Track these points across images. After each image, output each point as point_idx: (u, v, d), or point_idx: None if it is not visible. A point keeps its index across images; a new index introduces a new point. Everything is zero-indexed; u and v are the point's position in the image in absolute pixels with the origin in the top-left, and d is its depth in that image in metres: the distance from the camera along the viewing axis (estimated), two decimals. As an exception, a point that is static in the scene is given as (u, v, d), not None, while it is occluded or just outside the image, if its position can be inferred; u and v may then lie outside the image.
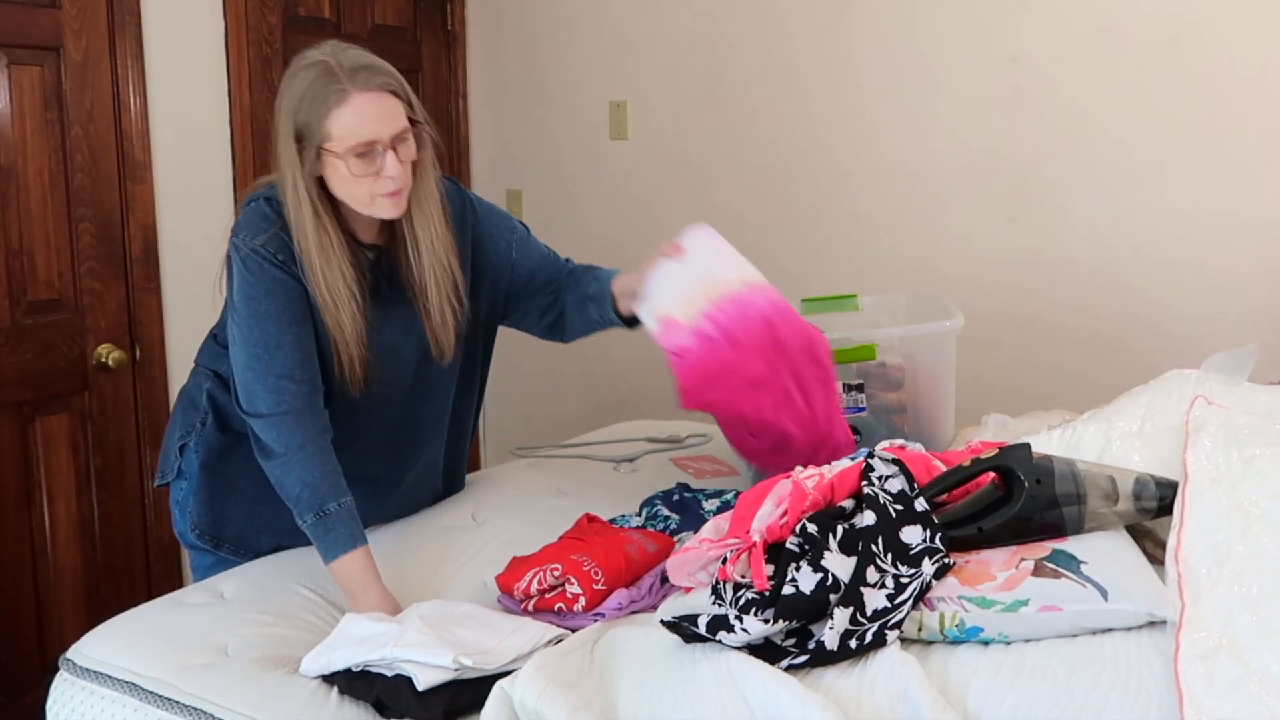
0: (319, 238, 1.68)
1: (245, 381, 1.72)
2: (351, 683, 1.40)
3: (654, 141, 3.42)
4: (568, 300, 2.02)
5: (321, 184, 1.69)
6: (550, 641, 1.44)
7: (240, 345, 1.71)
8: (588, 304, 1.98)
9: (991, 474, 1.44)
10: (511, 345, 3.80)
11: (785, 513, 1.39)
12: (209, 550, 1.92)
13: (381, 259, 1.80)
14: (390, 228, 1.79)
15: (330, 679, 1.43)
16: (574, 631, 1.47)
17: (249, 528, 1.90)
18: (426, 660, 1.35)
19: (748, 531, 1.37)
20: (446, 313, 1.81)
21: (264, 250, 1.70)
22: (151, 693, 1.46)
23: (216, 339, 1.92)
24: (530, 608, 1.55)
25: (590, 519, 1.80)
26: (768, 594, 1.28)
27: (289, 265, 1.70)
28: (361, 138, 1.63)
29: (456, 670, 1.35)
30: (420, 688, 1.34)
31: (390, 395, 1.85)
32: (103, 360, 2.67)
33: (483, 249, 1.92)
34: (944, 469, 1.50)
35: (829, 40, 3.08)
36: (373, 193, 1.67)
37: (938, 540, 1.35)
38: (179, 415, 1.95)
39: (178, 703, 1.43)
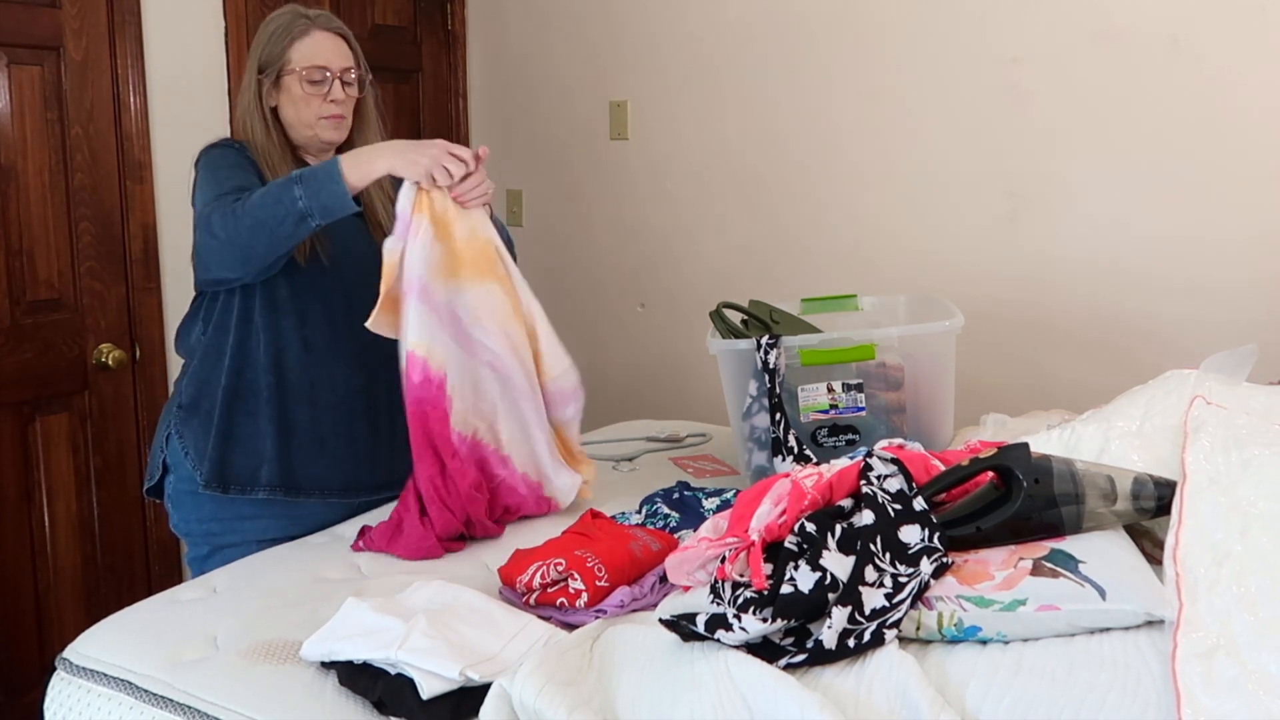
0: (268, 145, 2.00)
1: (198, 214, 1.90)
2: (352, 676, 1.40)
3: (654, 141, 3.42)
4: None
5: (276, 114, 2.03)
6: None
7: (199, 197, 1.93)
8: None
9: (990, 473, 1.44)
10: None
11: (784, 512, 1.39)
12: (210, 521, 2.03)
13: None
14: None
15: (329, 665, 1.43)
16: (574, 628, 1.47)
17: (250, 462, 2.01)
18: (432, 669, 1.35)
19: (746, 530, 1.37)
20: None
21: (222, 143, 2.03)
22: (146, 690, 1.46)
23: (187, 329, 2.09)
24: (532, 601, 1.55)
25: (595, 515, 1.80)
26: (766, 593, 1.28)
27: (244, 149, 2.00)
28: (315, 61, 2.00)
29: (462, 682, 1.35)
30: (424, 696, 1.34)
31: (345, 263, 2.03)
32: (103, 360, 2.67)
33: None
34: (943, 468, 1.50)
35: (829, 40, 3.08)
36: (318, 114, 2.01)
37: (936, 539, 1.35)
38: (161, 420, 2.11)
39: (172, 700, 1.43)
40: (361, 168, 1.81)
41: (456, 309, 1.88)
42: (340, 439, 2.06)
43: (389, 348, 1.90)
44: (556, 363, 1.98)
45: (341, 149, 2.02)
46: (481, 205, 1.91)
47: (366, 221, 2.05)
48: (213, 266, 1.92)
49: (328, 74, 2.00)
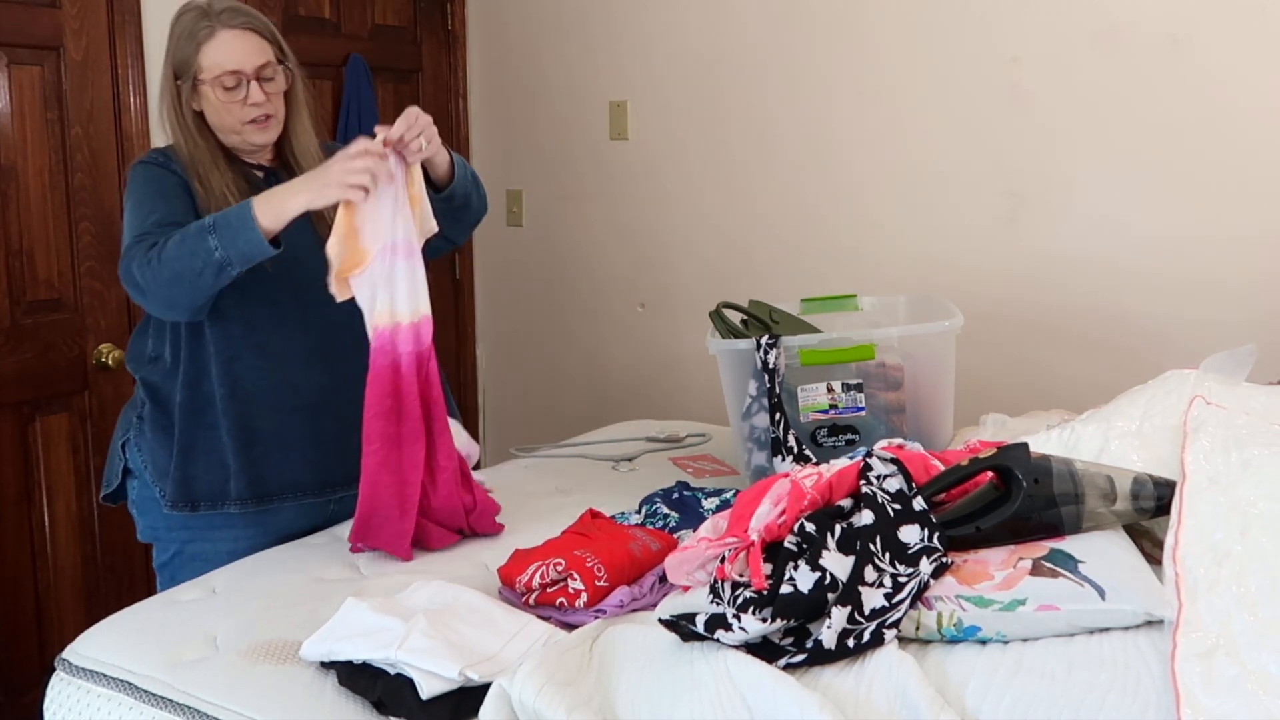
0: (195, 151, 1.90)
1: (121, 257, 1.84)
2: (352, 676, 1.40)
3: (654, 141, 3.42)
4: None
5: (202, 118, 1.93)
6: (550, 641, 1.44)
7: (124, 229, 1.88)
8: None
9: (990, 473, 1.44)
10: (512, 346, 3.82)
11: (783, 512, 1.39)
12: (179, 529, 1.97)
13: (270, 177, 1.96)
14: (278, 155, 2.00)
15: (329, 665, 1.43)
16: (574, 628, 1.47)
17: (215, 477, 1.95)
18: (431, 669, 1.35)
19: (746, 530, 1.37)
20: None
21: (149, 159, 1.93)
22: (146, 691, 1.46)
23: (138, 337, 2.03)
24: (531, 601, 1.55)
25: (594, 514, 1.80)
26: (766, 593, 1.28)
27: (169, 163, 1.91)
28: (226, 67, 1.88)
29: (462, 682, 1.35)
30: (424, 696, 1.34)
31: (291, 262, 1.87)
32: (103, 360, 2.67)
33: None
34: (942, 468, 1.50)
35: (829, 40, 3.08)
36: (240, 119, 1.90)
37: (936, 539, 1.36)
38: (118, 426, 2.06)
39: (172, 700, 1.43)
40: (274, 210, 1.73)
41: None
42: (308, 440, 1.99)
43: (350, 340, 1.85)
44: None
45: (279, 143, 1.98)
46: (422, 157, 1.83)
47: (309, 217, 1.92)
48: (144, 308, 1.88)
49: (242, 77, 1.88)
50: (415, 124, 1.80)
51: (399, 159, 1.81)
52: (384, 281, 1.79)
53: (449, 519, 1.85)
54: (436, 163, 1.92)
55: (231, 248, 1.73)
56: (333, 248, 1.76)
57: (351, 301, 1.84)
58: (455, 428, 1.94)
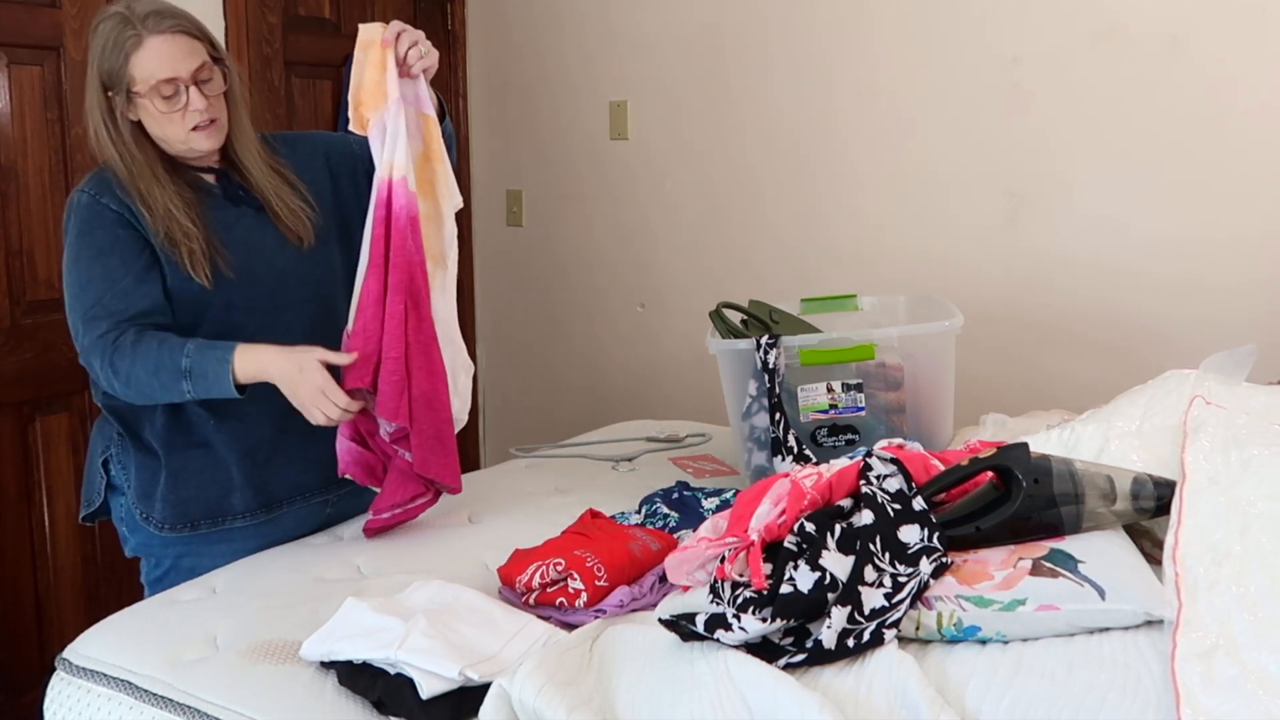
0: (134, 166, 1.80)
1: (71, 325, 1.79)
2: (352, 676, 1.40)
3: (654, 141, 3.42)
4: None
5: (140, 128, 1.82)
6: (550, 641, 1.44)
7: (67, 294, 1.81)
8: None
9: (990, 473, 1.44)
10: (511, 346, 3.82)
11: (783, 512, 1.39)
12: (173, 545, 1.91)
13: (222, 179, 1.90)
14: (224, 155, 1.91)
15: (329, 665, 1.43)
16: (574, 628, 1.47)
17: (215, 494, 1.91)
18: (431, 669, 1.35)
19: (746, 530, 1.38)
20: (297, 211, 1.92)
21: (84, 198, 1.81)
22: (146, 691, 1.46)
23: None
24: (531, 601, 1.55)
25: (594, 514, 1.80)
26: (766, 593, 1.28)
27: (101, 196, 1.80)
28: (161, 75, 1.76)
29: (462, 682, 1.35)
30: (424, 696, 1.34)
31: (258, 267, 1.88)
32: (103, 360, 2.67)
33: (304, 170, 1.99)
34: (942, 468, 1.50)
35: (829, 40, 3.08)
36: (185, 127, 1.80)
37: (935, 539, 1.36)
38: (95, 439, 1.98)
39: (172, 700, 1.44)
40: (253, 372, 1.73)
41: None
42: (308, 440, 1.90)
43: (333, 330, 1.85)
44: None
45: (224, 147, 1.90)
46: (424, 66, 1.87)
47: (267, 215, 1.90)
48: None
49: (179, 84, 1.77)
50: (408, 34, 1.83)
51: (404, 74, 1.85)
52: (391, 134, 1.82)
53: (387, 404, 1.81)
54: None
55: (204, 393, 1.74)
56: (356, 78, 1.82)
57: (319, 288, 1.92)
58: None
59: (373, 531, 1.91)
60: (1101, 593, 1.28)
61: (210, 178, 1.90)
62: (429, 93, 1.90)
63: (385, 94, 1.82)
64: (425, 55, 1.86)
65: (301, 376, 1.74)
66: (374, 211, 1.81)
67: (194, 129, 1.81)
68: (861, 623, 1.27)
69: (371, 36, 1.85)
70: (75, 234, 1.81)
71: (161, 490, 1.88)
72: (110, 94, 1.78)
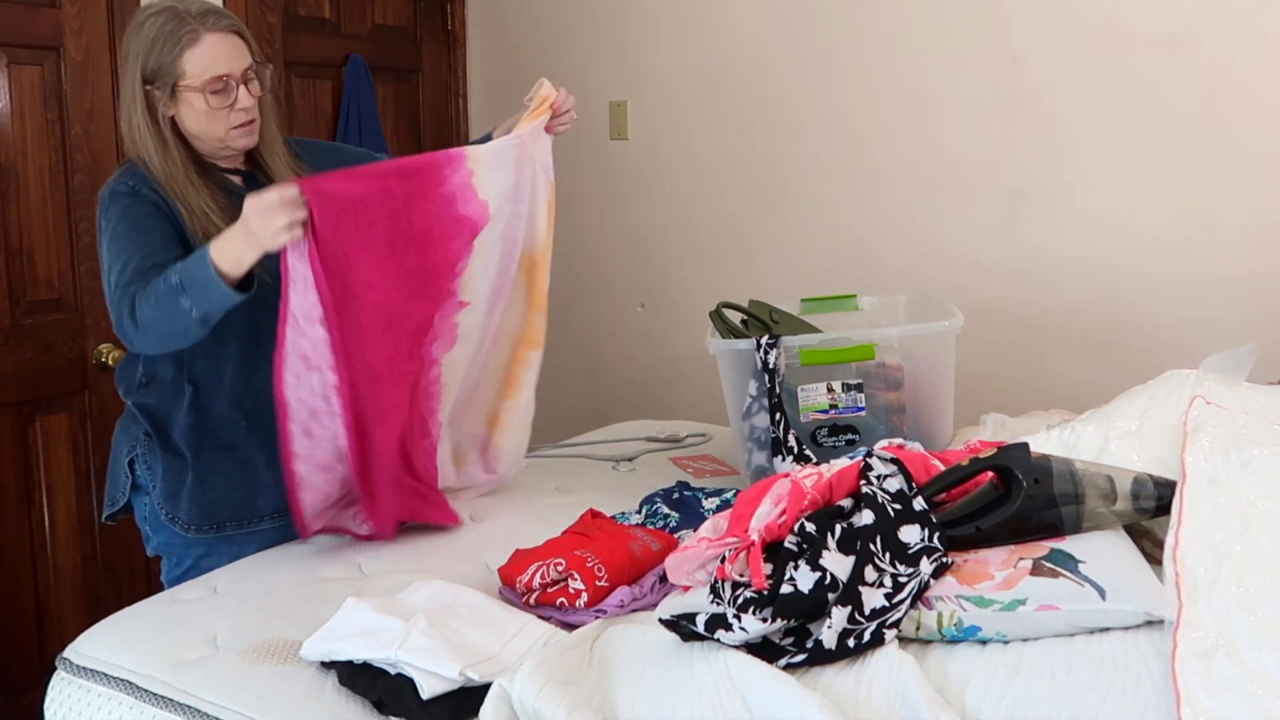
0: (169, 165, 1.82)
1: (109, 300, 1.79)
2: (352, 676, 1.40)
3: (654, 141, 3.42)
4: None
5: (174, 125, 1.84)
6: (550, 641, 1.44)
7: (105, 271, 1.82)
8: None
9: (990, 473, 1.44)
10: (512, 345, 3.81)
11: (784, 512, 1.39)
12: (196, 546, 1.92)
13: (250, 182, 1.90)
14: (249, 158, 1.93)
15: (329, 665, 1.43)
16: (574, 628, 1.47)
17: (241, 496, 1.91)
18: (432, 669, 1.35)
19: (746, 530, 1.38)
20: None
21: (119, 187, 1.83)
22: (146, 690, 1.46)
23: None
24: (532, 601, 1.55)
25: (594, 514, 1.80)
26: (766, 593, 1.28)
27: (141, 188, 1.82)
28: (216, 72, 1.80)
29: (462, 682, 1.35)
30: (424, 696, 1.34)
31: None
32: (103, 360, 2.67)
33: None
34: (942, 468, 1.50)
35: (829, 40, 3.08)
36: (228, 125, 1.84)
37: (936, 539, 1.36)
38: (120, 439, 1.97)
39: (172, 700, 1.44)
40: (232, 259, 1.66)
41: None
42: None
43: None
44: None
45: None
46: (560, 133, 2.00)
47: None
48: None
49: (231, 82, 1.82)
50: (568, 100, 1.95)
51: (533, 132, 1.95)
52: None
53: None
54: None
55: (204, 304, 1.68)
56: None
57: None
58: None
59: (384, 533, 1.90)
60: (1102, 593, 1.28)
61: (237, 179, 1.92)
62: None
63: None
64: (567, 125, 2.00)
65: (247, 220, 1.65)
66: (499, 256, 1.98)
67: (234, 127, 1.84)
68: (862, 623, 1.27)
69: (548, 93, 1.97)
70: (118, 217, 1.82)
71: (188, 491, 1.88)
72: (149, 87, 1.80)
